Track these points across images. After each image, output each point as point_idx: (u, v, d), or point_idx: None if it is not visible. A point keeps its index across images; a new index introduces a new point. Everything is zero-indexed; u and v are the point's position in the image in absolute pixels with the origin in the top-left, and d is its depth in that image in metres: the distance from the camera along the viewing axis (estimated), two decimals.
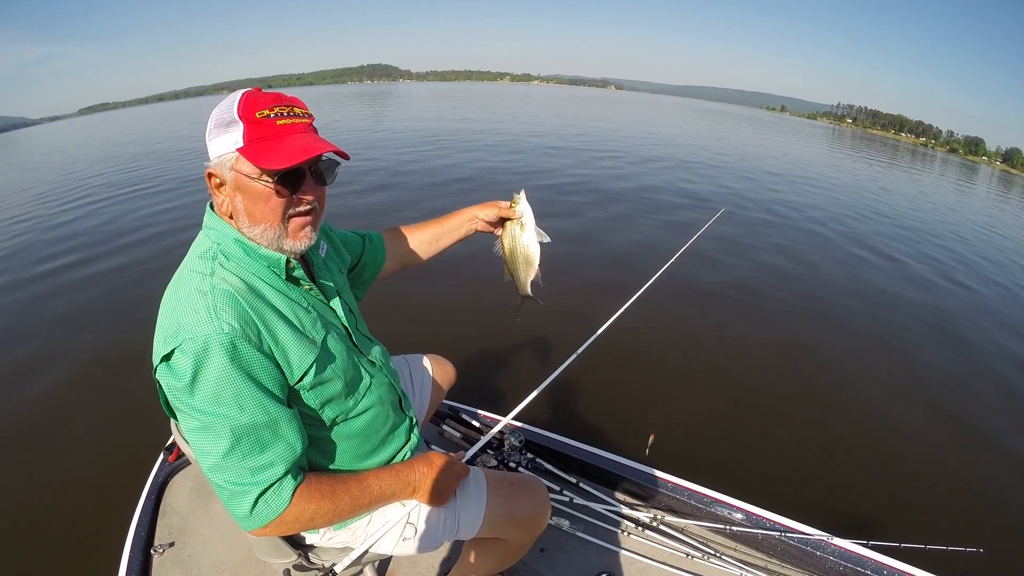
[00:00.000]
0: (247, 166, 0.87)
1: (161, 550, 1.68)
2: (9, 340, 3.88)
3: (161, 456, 1.99)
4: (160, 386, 0.88)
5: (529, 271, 1.29)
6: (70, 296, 4.59)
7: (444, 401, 2.07)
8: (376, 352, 1.16)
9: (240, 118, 0.86)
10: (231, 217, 0.92)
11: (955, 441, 3.01)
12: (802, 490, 2.47)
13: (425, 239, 1.41)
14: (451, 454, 1.16)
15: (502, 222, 1.31)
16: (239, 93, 0.90)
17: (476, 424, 2.09)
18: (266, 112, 0.87)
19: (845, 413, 3.14)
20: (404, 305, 3.87)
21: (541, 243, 1.27)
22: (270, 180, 0.88)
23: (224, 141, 0.87)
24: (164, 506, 1.86)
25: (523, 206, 1.25)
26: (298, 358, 0.91)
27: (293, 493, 0.89)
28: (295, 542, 1.11)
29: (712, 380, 3.34)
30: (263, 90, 0.92)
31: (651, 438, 2.05)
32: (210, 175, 0.91)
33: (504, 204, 1.30)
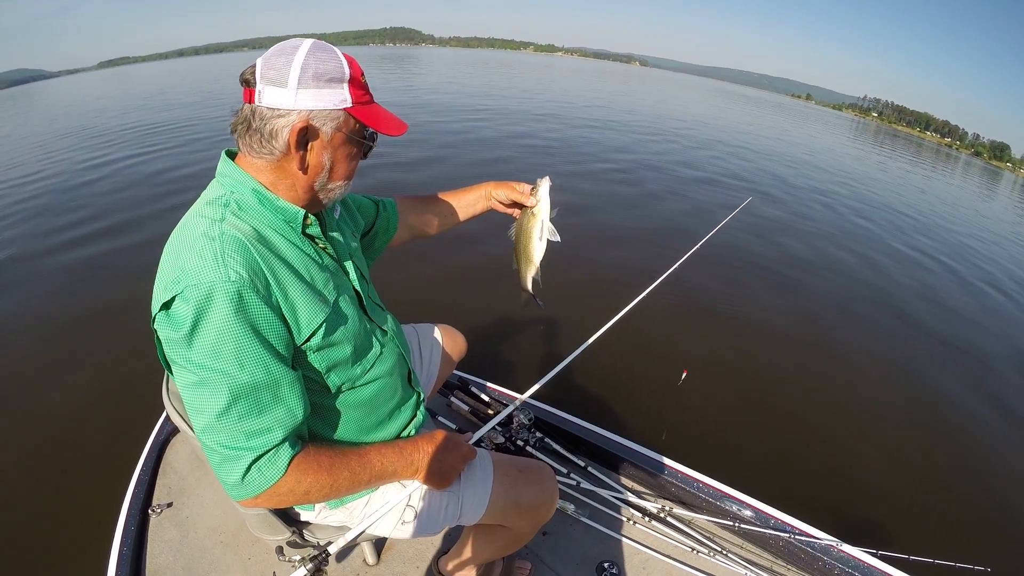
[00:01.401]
0: (352, 124, 0.88)
1: (159, 510, 1.66)
2: (16, 293, 3.88)
3: (164, 414, 1.96)
4: (158, 337, 0.82)
5: (528, 267, 1.18)
6: (75, 250, 4.58)
7: (453, 372, 2.04)
8: (389, 322, 1.10)
9: (349, 78, 0.86)
10: (305, 172, 0.88)
11: (979, 460, 2.90)
12: (815, 491, 2.41)
13: (440, 211, 1.36)
14: (458, 434, 1.10)
15: (520, 207, 1.22)
16: (332, 49, 0.86)
17: (485, 398, 2.04)
18: (363, 78, 0.89)
19: (868, 419, 3.05)
20: (416, 272, 3.83)
21: (550, 240, 1.16)
22: (364, 141, 0.91)
23: (332, 95, 0.84)
24: (164, 465, 1.84)
25: (542, 195, 1.14)
26: (308, 316, 0.85)
27: (290, 462, 0.83)
28: (289, 518, 1.07)
29: (735, 371, 3.27)
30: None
31: (684, 373, 1.95)
32: (305, 128, 0.83)
33: (523, 188, 1.21)
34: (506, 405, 1.97)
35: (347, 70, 0.85)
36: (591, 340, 1.59)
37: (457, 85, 21.79)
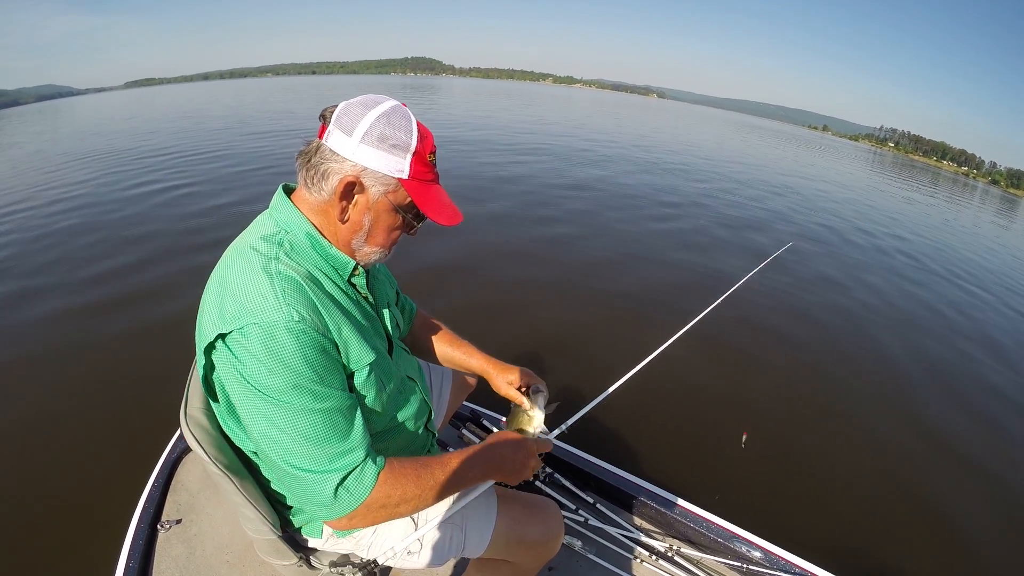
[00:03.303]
0: (402, 196, 0.89)
1: (168, 526, 1.67)
2: (39, 308, 3.94)
3: (177, 431, 1.98)
4: (206, 362, 0.85)
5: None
6: (99, 265, 4.66)
7: (464, 403, 2.04)
8: (415, 367, 1.13)
9: (415, 151, 0.86)
10: (344, 224, 0.90)
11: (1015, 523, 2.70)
12: (827, 534, 2.35)
13: (441, 350, 1.37)
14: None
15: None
16: (410, 118, 0.88)
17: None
18: (431, 157, 0.89)
19: (891, 459, 2.95)
20: (432, 304, 3.76)
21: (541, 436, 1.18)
22: (411, 217, 0.91)
23: (389, 160, 0.85)
24: (176, 482, 1.85)
25: (536, 415, 1.16)
26: (357, 354, 0.89)
27: (376, 478, 0.84)
28: (297, 544, 1.07)
29: (762, 415, 3.18)
30: (411, 115, 0.90)
31: (744, 436, 1.92)
32: (354, 182, 0.86)
33: (523, 384, 1.25)
34: None
35: (414, 143, 0.86)
36: (620, 383, 1.56)
37: (491, 118, 21.98)
